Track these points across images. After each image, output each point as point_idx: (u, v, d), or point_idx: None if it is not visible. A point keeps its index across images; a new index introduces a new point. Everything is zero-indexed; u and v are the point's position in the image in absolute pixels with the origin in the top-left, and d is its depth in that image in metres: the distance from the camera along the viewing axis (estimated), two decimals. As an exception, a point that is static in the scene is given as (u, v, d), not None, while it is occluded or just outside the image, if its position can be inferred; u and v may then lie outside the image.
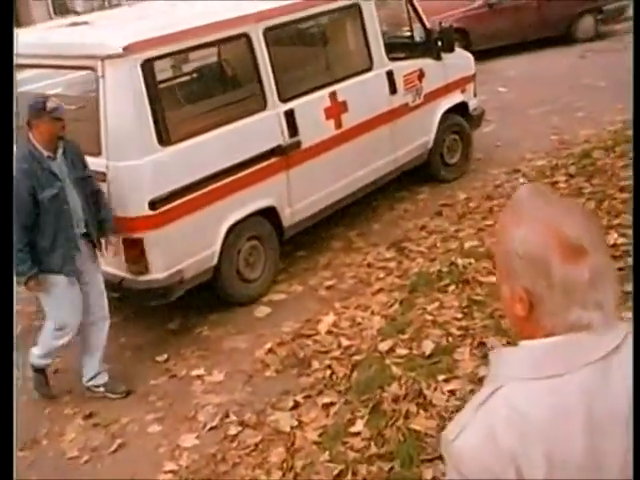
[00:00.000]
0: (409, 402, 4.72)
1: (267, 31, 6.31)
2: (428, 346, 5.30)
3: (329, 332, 5.87)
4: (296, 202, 6.65)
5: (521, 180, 8.32)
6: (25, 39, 5.96)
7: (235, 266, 6.25)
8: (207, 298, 6.38)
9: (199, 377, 5.60)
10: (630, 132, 9.21)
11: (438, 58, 8.04)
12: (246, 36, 6.18)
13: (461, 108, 8.51)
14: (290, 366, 5.56)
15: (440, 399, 4.69)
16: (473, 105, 8.77)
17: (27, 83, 6.31)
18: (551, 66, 13.44)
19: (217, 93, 6.29)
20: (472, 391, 4.71)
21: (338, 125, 6.93)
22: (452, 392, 4.75)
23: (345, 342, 5.67)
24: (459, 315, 5.64)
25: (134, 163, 5.47)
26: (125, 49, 5.36)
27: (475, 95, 8.86)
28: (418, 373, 5.00)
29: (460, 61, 8.45)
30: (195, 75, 6.23)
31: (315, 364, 5.49)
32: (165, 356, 5.89)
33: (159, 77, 5.63)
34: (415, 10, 7.92)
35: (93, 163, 5.53)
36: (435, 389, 4.80)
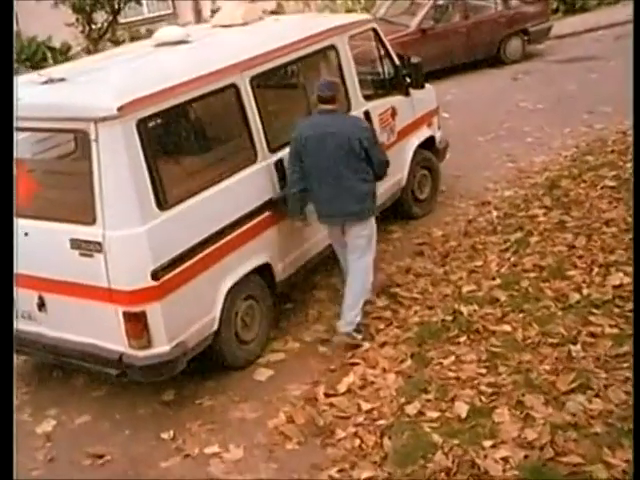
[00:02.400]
0: (463, 474, 4.47)
1: (253, 80, 6.01)
2: (462, 408, 5.06)
3: (344, 394, 5.56)
4: (287, 255, 6.35)
5: (494, 213, 8.23)
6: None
7: (234, 329, 5.90)
8: (197, 364, 5.85)
9: (215, 455, 5.19)
10: (586, 157, 9.31)
11: (407, 94, 7.88)
12: (234, 86, 5.86)
13: (429, 142, 8.37)
14: (311, 435, 5.22)
15: (496, 469, 4.45)
16: (438, 138, 8.65)
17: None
18: (486, 89, 13.56)
19: (207, 148, 5.93)
20: (526, 458, 4.51)
21: (325, 172, 6.67)
22: (505, 460, 4.52)
23: (365, 405, 5.38)
24: (482, 370, 5.43)
25: (134, 231, 5.07)
26: (120, 109, 4.96)
27: (439, 128, 8.74)
28: (460, 440, 4.76)
29: (425, 95, 8.30)
30: (185, 130, 5.86)
31: (339, 432, 5.17)
32: (171, 432, 5.45)
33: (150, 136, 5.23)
34: (384, 46, 7.74)
35: (85, 232, 5.13)
36: (485, 457, 4.56)
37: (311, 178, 5.95)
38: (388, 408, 5.31)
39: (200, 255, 5.45)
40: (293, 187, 6.05)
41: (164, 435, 5.44)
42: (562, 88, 12.84)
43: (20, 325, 5.68)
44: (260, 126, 6.01)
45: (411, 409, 5.20)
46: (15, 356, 6.27)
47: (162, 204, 5.20)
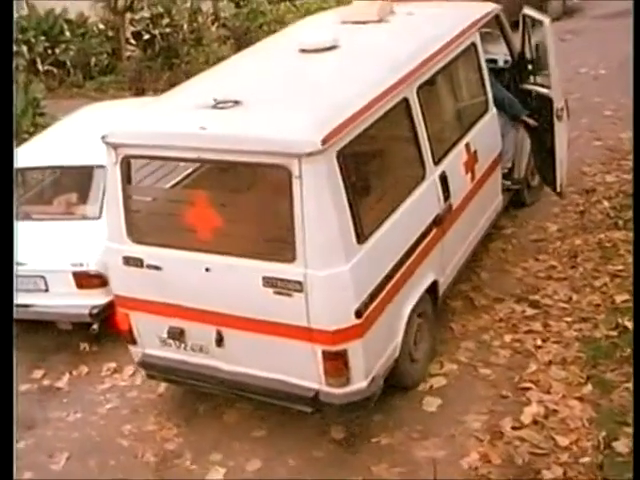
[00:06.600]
0: None
1: (418, 89, 5.65)
2: (677, 447, 4.88)
3: (529, 426, 5.35)
4: (446, 268, 6.11)
5: (606, 204, 8.00)
6: (173, 126, 5.08)
7: (408, 348, 5.65)
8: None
9: (416, 505, 4.96)
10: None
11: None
12: (405, 100, 5.50)
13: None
14: (514, 477, 5.00)
15: None
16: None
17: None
18: (535, 53, 13.09)
19: (386, 171, 5.57)
20: None
21: (472, 177, 6.40)
22: None
23: (561, 440, 5.18)
24: (681, 401, 5.25)
25: (338, 270, 4.74)
26: (323, 143, 4.58)
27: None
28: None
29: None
30: (369, 155, 5.49)
31: (545, 473, 4.96)
32: (359, 479, 5.13)
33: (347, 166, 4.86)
34: (505, 33, 7.45)
35: (283, 271, 4.80)
36: None
37: None
38: (588, 442, 5.12)
39: (390, 284, 5.19)
40: None
41: (354, 485, 5.13)
42: (618, 49, 12.26)
43: (190, 357, 5.40)
44: (427, 139, 5.68)
45: (620, 446, 5.00)
46: (173, 385, 6.01)
47: (360, 238, 4.89)
